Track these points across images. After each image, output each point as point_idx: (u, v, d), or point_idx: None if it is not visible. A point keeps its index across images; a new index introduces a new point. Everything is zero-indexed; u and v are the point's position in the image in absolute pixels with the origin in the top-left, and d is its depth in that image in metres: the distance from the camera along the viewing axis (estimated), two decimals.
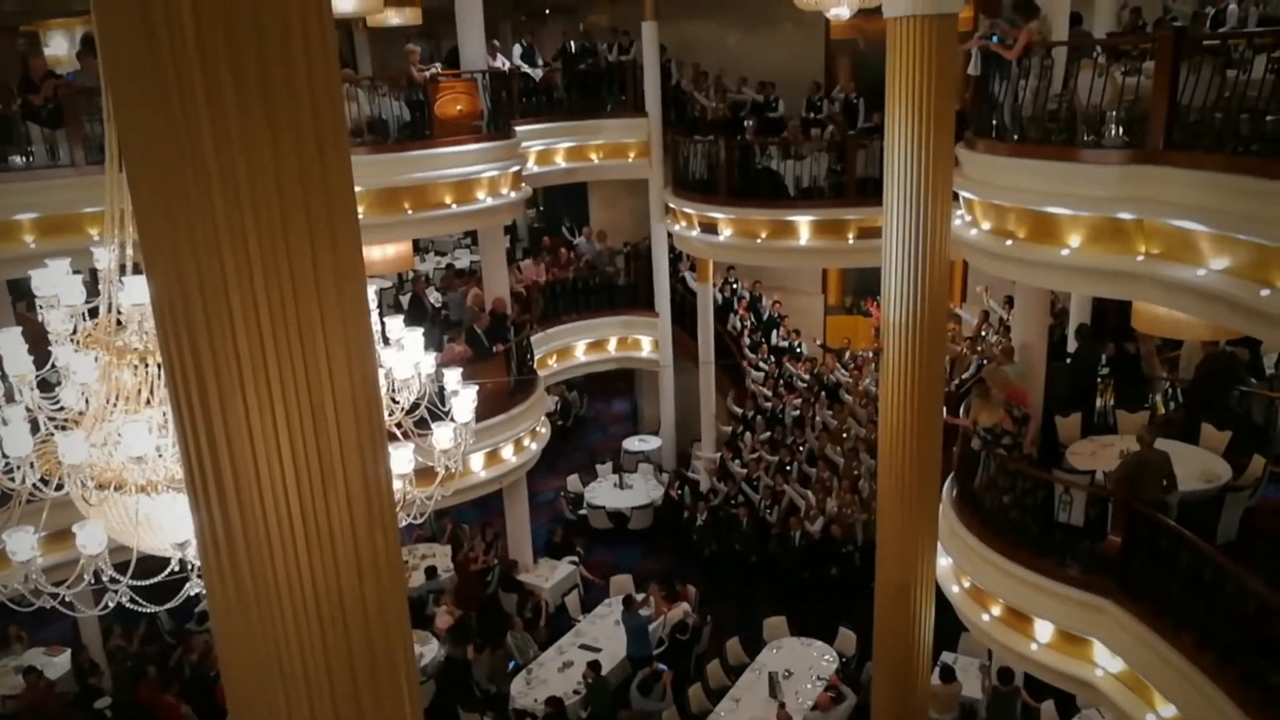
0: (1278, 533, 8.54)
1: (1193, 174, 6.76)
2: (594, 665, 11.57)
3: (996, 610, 9.06)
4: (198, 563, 4.20)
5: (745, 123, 15.34)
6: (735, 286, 18.69)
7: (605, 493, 16.73)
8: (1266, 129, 6.34)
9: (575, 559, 15.02)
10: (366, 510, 2.88)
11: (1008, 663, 10.07)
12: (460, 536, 15.28)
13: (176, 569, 4.65)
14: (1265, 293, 6.13)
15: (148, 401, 4.71)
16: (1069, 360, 11.36)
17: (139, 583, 4.67)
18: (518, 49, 15.80)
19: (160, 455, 4.59)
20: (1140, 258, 7.41)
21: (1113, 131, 7.78)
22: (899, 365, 8.87)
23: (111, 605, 4.87)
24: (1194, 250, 6.86)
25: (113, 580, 4.71)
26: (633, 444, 18.44)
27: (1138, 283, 7.55)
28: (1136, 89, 7.60)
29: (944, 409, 9.58)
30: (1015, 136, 8.46)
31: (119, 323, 4.84)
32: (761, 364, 17.56)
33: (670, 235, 16.15)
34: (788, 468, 15.37)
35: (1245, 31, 7.06)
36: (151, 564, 4.67)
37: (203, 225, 2.50)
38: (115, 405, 4.74)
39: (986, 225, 8.92)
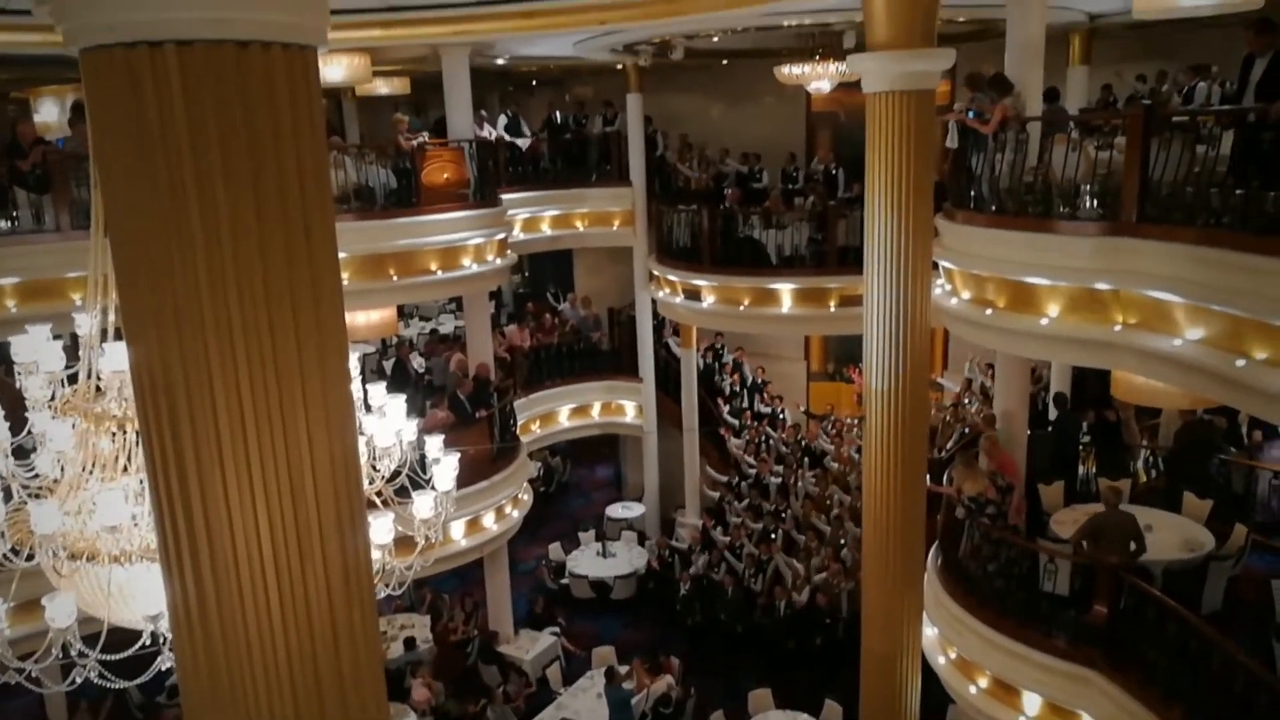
0: (1262, 602, 8.51)
1: (1166, 246, 6.89)
2: None
3: (983, 682, 8.95)
4: (170, 635, 4.10)
5: (725, 190, 15.57)
6: (720, 352, 18.79)
7: (588, 561, 16.52)
8: (1236, 203, 6.48)
9: (557, 630, 14.76)
10: (344, 585, 2.84)
11: None
12: (440, 607, 15.01)
13: (148, 642, 4.53)
14: (1241, 363, 6.20)
15: (125, 469, 4.64)
16: (1050, 428, 11.42)
17: (109, 657, 4.55)
18: (503, 119, 16.06)
19: (136, 524, 4.51)
20: (1117, 328, 7.50)
21: (1087, 204, 7.93)
22: (882, 433, 8.88)
23: (79, 680, 4.74)
24: (1170, 321, 6.96)
25: (81, 654, 4.59)
26: (616, 511, 18.28)
27: (1116, 352, 7.63)
28: (1109, 163, 7.78)
29: (928, 477, 9.57)
30: (993, 208, 8.62)
31: (98, 389, 4.80)
32: (744, 430, 17.55)
33: (654, 301, 16.26)
34: (772, 536, 15.26)
35: (1212, 109, 7.26)
36: (122, 637, 4.56)
37: (186, 297, 2.51)
38: (91, 473, 4.67)
39: (966, 294, 9.02)
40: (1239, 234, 6.32)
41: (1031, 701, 8.45)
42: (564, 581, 16.36)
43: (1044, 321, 8.03)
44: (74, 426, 4.71)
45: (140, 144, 2.45)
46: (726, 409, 17.75)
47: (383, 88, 18.14)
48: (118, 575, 4.40)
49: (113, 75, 2.45)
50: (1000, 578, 8.79)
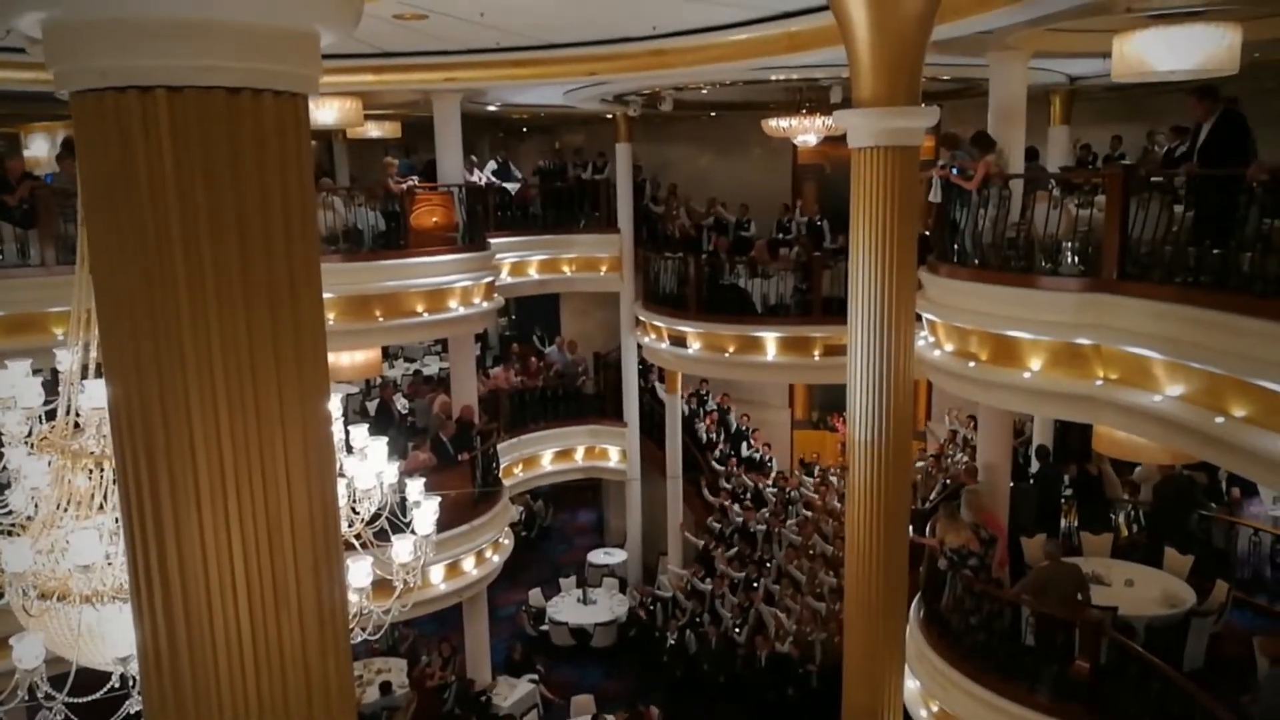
0: (1244, 659, 8.49)
1: (1146, 303, 6.98)
2: None
3: None
4: (139, 679, 4.03)
5: (711, 236, 15.69)
6: (705, 398, 18.80)
7: (568, 608, 16.34)
8: (1213, 262, 6.58)
9: (535, 677, 14.56)
10: (319, 632, 2.80)
11: None
12: (418, 649, 14.79)
13: (117, 685, 4.45)
14: (1219, 420, 6.26)
15: (100, 507, 4.60)
16: (1032, 481, 11.45)
17: (76, 700, 4.46)
18: (492, 164, 16.20)
19: (110, 563, 4.45)
20: (1099, 382, 7.57)
21: (1068, 260, 8.04)
22: (865, 483, 8.86)
23: None
24: (1150, 377, 7.03)
25: (49, 696, 4.50)
26: (598, 557, 18.12)
27: (1097, 407, 7.69)
28: (1090, 220, 7.91)
29: (910, 528, 9.55)
30: (976, 262, 8.73)
31: (77, 425, 4.77)
32: (728, 479, 17.49)
33: (640, 347, 16.30)
34: (755, 585, 15.15)
35: (1187, 172, 7.43)
36: (91, 679, 4.48)
37: (168, 337, 2.50)
38: (66, 510, 4.62)
39: (949, 347, 9.09)
40: (1216, 293, 6.42)
41: None
42: (544, 628, 16.17)
43: (1026, 375, 8.10)
44: (50, 463, 4.66)
45: (127, 186, 2.47)
46: (714, 456, 17.70)
47: (374, 130, 18.26)
48: (88, 616, 4.33)
49: (102, 118, 2.47)
50: (982, 631, 8.75)
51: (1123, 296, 7.22)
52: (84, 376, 4.64)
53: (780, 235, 16.00)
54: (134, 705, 4.59)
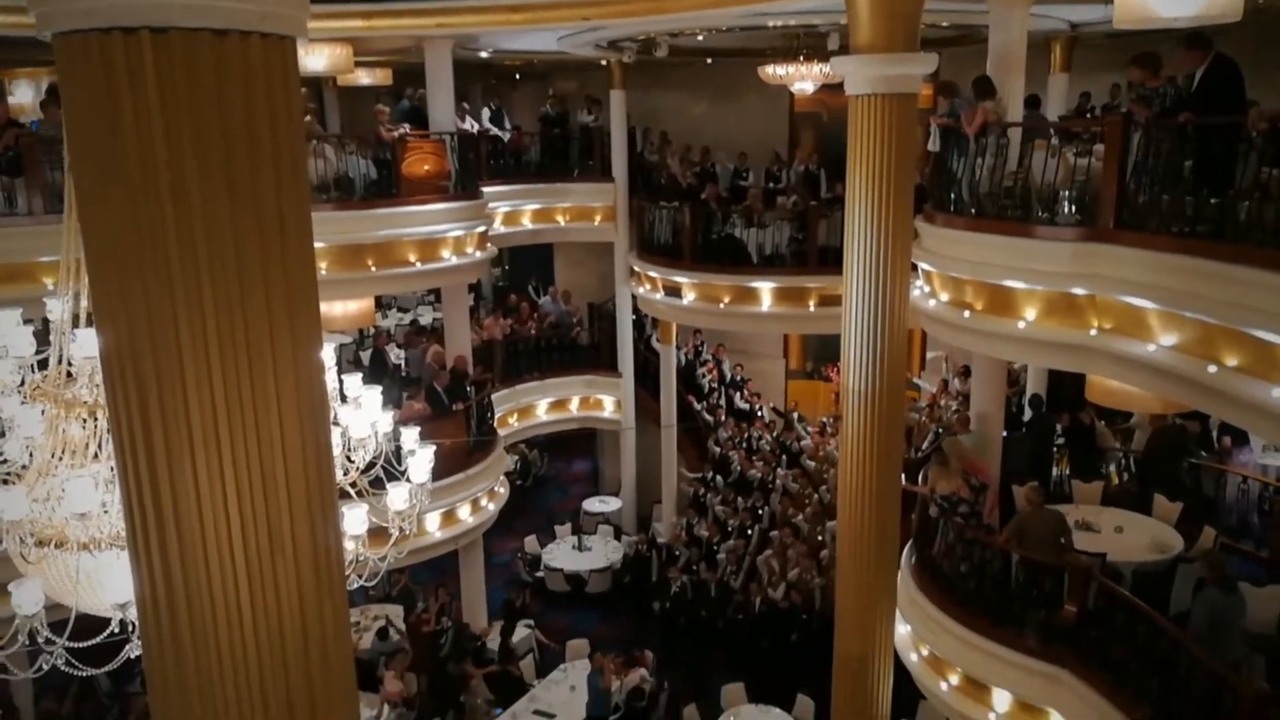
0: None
1: (1142, 253, 6.97)
2: None
3: (955, 679, 9.03)
4: (137, 624, 4.07)
5: (707, 186, 15.56)
6: (701, 350, 18.82)
7: (563, 555, 16.52)
8: (1210, 212, 6.55)
9: (531, 622, 14.75)
10: (315, 576, 2.82)
11: None
12: (414, 593, 14.96)
13: (117, 630, 4.50)
14: (1212, 369, 6.28)
15: (95, 456, 4.60)
16: (1025, 430, 11.52)
17: (77, 644, 4.51)
18: (486, 112, 15.98)
19: (106, 511, 4.47)
20: (1093, 332, 7.58)
21: (1065, 209, 8.01)
22: (858, 432, 8.92)
23: (46, 668, 4.70)
24: (1144, 326, 7.04)
25: (49, 641, 4.54)
26: (593, 505, 18.29)
27: (1091, 356, 7.71)
28: (1088, 170, 7.85)
29: (903, 476, 9.63)
30: (972, 211, 8.68)
31: (69, 375, 4.76)
32: (720, 427, 17.59)
33: (635, 297, 16.26)
34: (749, 532, 15.31)
35: (1189, 120, 7.35)
36: (91, 624, 4.52)
37: (158, 284, 2.48)
38: (61, 459, 4.63)
39: (945, 297, 9.08)
40: (1212, 242, 6.40)
41: (1002, 699, 8.53)
42: (539, 575, 16.36)
43: (1021, 325, 8.11)
44: (43, 412, 4.66)
45: (113, 130, 2.42)
46: (703, 405, 17.76)
47: (365, 78, 18.01)
48: (86, 563, 4.36)
49: (86, 61, 2.42)
50: (973, 577, 8.87)
51: (1119, 246, 7.20)
52: (75, 326, 4.61)
53: (770, 185, 15.87)
54: (134, 650, 4.64)
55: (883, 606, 9.28)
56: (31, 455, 4.79)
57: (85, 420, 4.57)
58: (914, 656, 9.70)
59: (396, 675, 12.59)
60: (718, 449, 17.18)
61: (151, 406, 2.57)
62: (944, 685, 9.13)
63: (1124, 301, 7.20)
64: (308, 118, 13.03)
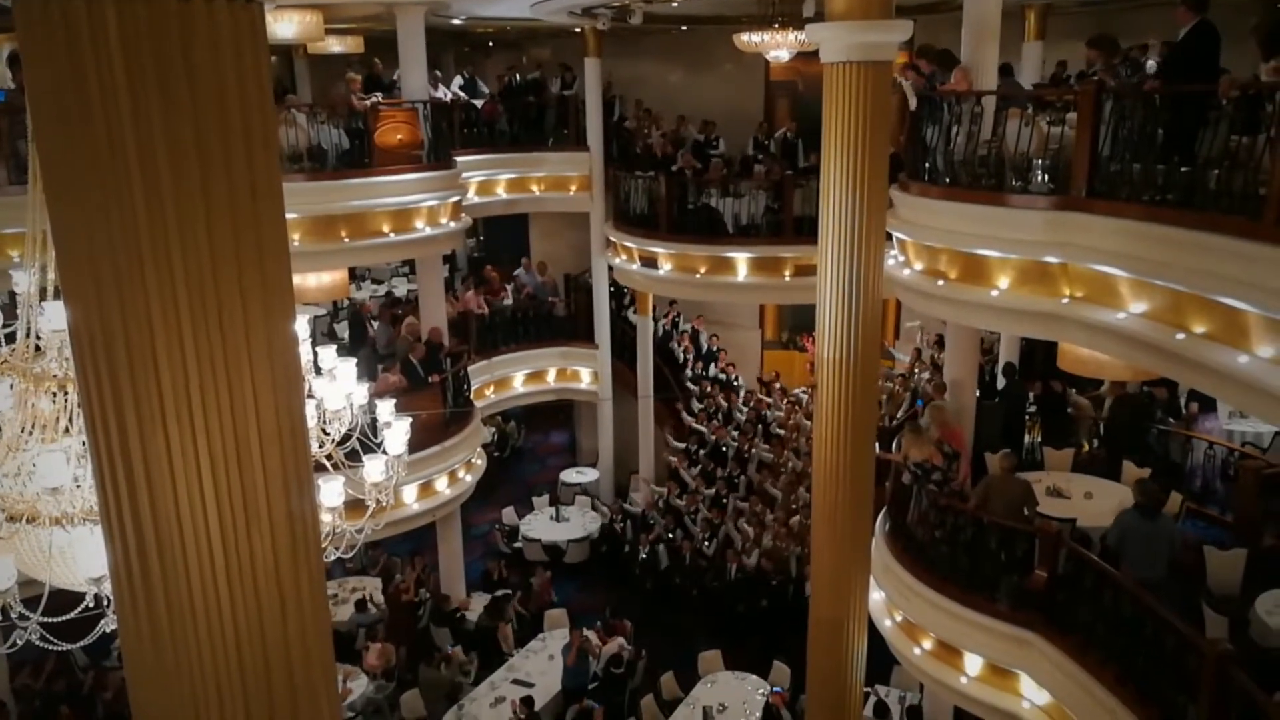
0: (1194, 568, 8.80)
1: (1113, 221, 7.01)
2: (527, 701, 11.40)
3: (927, 644, 9.17)
4: (112, 598, 4.05)
5: (679, 154, 15.49)
6: (679, 322, 18.84)
7: (541, 525, 16.58)
8: (1180, 179, 6.61)
9: (509, 593, 14.82)
10: (290, 546, 2.82)
11: (939, 695, 10.18)
12: (392, 569, 14.99)
13: (91, 605, 4.48)
14: (1180, 336, 6.36)
15: (66, 430, 4.56)
16: (998, 398, 11.64)
17: (51, 619, 4.49)
18: (459, 80, 15.79)
19: (78, 485, 4.43)
20: (1065, 300, 7.64)
21: (1039, 178, 8.04)
22: (833, 401, 8.99)
23: (20, 643, 4.67)
24: (1115, 294, 7.11)
25: (23, 616, 4.52)
26: (570, 476, 18.34)
27: (1063, 324, 7.78)
28: (1061, 138, 7.88)
29: (877, 444, 9.72)
30: (947, 180, 8.70)
31: (38, 349, 4.69)
32: (703, 398, 17.66)
33: (611, 268, 16.22)
34: (724, 501, 15.43)
35: (1159, 89, 7.37)
36: (65, 599, 4.50)
37: (126, 255, 2.45)
38: (31, 434, 4.58)
39: (919, 265, 9.13)
40: (1182, 210, 6.46)
41: (973, 663, 8.69)
42: (517, 545, 16.42)
43: (994, 293, 8.16)
44: (12, 387, 4.60)
45: (78, 99, 2.37)
46: (687, 376, 17.82)
47: (335, 45, 17.73)
48: (59, 538, 4.33)
49: (48, 27, 2.36)
50: (945, 544, 8.99)
51: (1091, 214, 7.25)
52: (42, 299, 4.55)
53: (758, 155, 15.81)
54: (109, 624, 4.63)
55: (857, 573, 9.40)
56: (0, 430, 4.73)
57: (55, 394, 4.52)
58: (888, 622, 9.84)
59: (377, 647, 12.66)
60: (691, 419, 17.26)
61: (122, 379, 2.54)
62: (917, 650, 9.28)
63: (1095, 270, 7.26)
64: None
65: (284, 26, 12.34)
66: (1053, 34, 13.87)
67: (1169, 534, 7.90)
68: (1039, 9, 13.42)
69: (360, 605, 13.74)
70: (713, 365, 18.54)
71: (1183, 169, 6.61)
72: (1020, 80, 11.89)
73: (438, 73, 15.23)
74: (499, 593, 14.24)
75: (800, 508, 14.93)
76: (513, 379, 16.74)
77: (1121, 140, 7.18)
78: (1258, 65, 6.52)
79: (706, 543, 14.70)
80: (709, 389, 17.83)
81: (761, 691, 12.15)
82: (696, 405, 17.49)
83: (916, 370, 16.13)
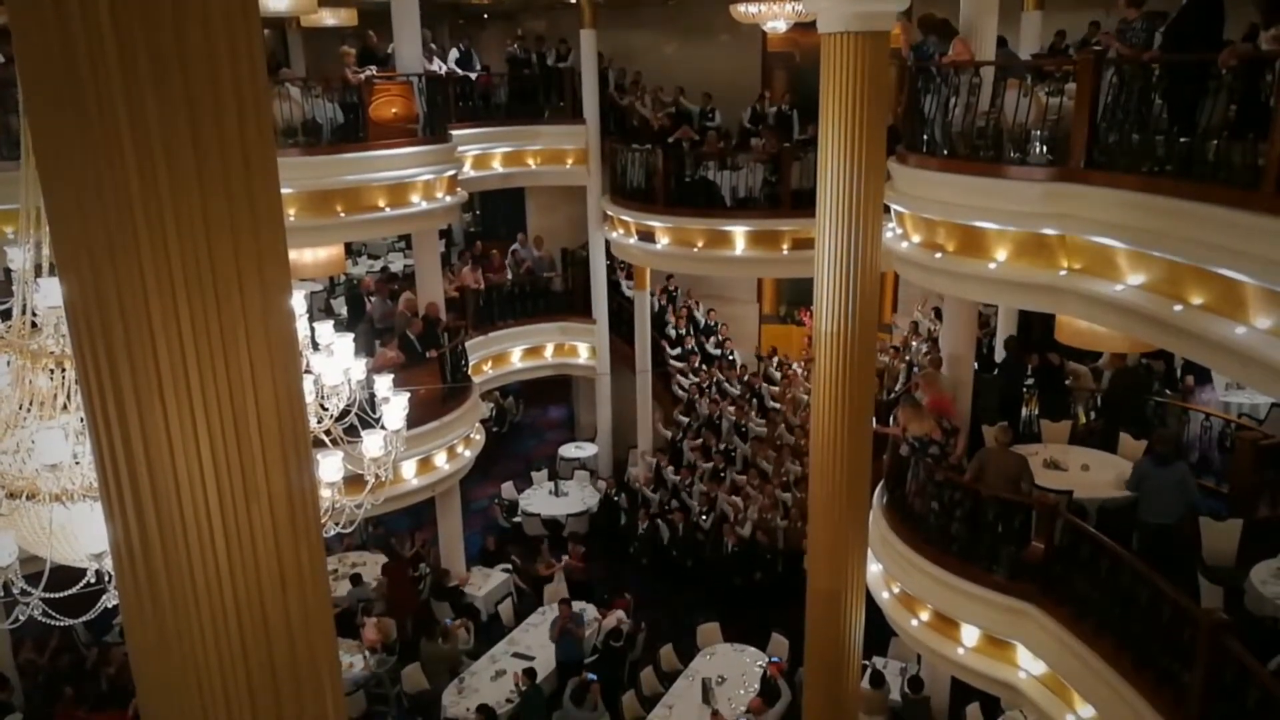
0: (1190, 538, 8.85)
1: (1111, 192, 6.99)
2: (528, 673, 11.50)
3: (925, 615, 9.24)
4: (114, 573, 4.07)
5: (681, 127, 15.38)
6: (674, 294, 18.80)
7: (540, 500, 16.64)
8: (1179, 150, 6.58)
9: (509, 567, 14.91)
10: (290, 520, 2.82)
11: (936, 666, 10.27)
12: (392, 544, 15.05)
13: (93, 580, 4.50)
14: (1178, 308, 6.36)
15: (64, 407, 4.55)
16: (996, 371, 11.65)
17: (53, 595, 4.51)
18: (454, 53, 15.67)
19: (77, 462, 4.43)
20: (1063, 272, 7.63)
21: (1037, 150, 8.00)
22: (831, 374, 8.99)
23: (23, 619, 4.69)
24: (1113, 266, 7.10)
25: (24, 593, 4.54)
26: (569, 451, 18.39)
27: (1061, 296, 7.77)
28: (1059, 109, 7.84)
29: (874, 418, 9.74)
30: (945, 152, 8.66)
31: (34, 325, 4.68)
32: (693, 372, 17.66)
33: (608, 243, 16.17)
34: (721, 475, 15.48)
35: (1161, 57, 7.32)
36: (67, 575, 4.51)
37: (120, 229, 2.43)
38: (29, 411, 4.57)
39: (917, 238, 9.11)
40: (1180, 181, 6.44)
41: (970, 634, 8.76)
42: (516, 520, 16.48)
43: (992, 266, 8.15)
44: (9, 364, 4.59)
45: (68, 71, 2.34)
46: (676, 352, 17.79)
47: (329, 18, 17.55)
48: (59, 514, 4.33)
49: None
50: (943, 516, 9.03)
51: (1089, 186, 7.22)
52: (38, 275, 4.53)
53: (757, 126, 15.71)
54: (110, 599, 4.65)
55: (855, 545, 9.44)
56: None
57: (53, 371, 4.51)
58: (885, 594, 9.90)
59: (375, 623, 12.73)
60: (684, 394, 17.28)
61: (119, 355, 2.53)
62: (914, 621, 9.35)
63: (1093, 241, 7.24)
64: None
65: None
66: (1051, 3, 13.75)
67: (1183, 480, 8.42)
68: None
69: (355, 580, 13.79)
70: (711, 339, 18.53)
71: (1181, 139, 6.58)
72: (1019, 51, 11.80)
73: (434, 45, 15.10)
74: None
75: (789, 481, 15.00)
76: (511, 354, 16.74)
77: (1120, 110, 7.14)
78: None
79: (704, 516, 14.78)
80: (697, 363, 17.82)
81: (760, 663, 12.25)
82: (691, 378, 17.49)
83: (914, 343, 16.13)
